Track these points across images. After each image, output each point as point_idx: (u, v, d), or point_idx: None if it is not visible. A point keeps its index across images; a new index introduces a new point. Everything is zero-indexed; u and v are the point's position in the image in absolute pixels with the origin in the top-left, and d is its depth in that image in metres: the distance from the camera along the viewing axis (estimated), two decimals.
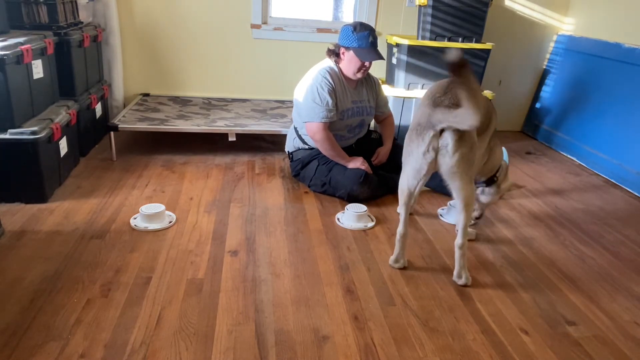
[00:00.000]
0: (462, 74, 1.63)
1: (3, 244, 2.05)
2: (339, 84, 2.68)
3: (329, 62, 2.73)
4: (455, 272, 1.97)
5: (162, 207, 2.29)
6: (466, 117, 1.65)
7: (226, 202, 2.56)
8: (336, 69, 2.70)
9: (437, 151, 1.79)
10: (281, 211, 2.51)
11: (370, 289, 1.90)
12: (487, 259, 2.18)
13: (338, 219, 2.45)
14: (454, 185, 1.85)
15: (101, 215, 2.34)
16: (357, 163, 2.67)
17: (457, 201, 1.89)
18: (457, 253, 1.94)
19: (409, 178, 1.91)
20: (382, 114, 2.98)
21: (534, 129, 4.20)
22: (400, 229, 2.01)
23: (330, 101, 2.61)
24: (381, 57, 2.62)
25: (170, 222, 2.29)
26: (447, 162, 1.79)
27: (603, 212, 2.76)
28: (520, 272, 2.10)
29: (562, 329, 1.75)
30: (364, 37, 2.58)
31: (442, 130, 1.77)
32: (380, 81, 2.98)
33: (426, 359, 1.56)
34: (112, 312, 1.67)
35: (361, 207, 2.43)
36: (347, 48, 2.62)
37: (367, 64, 2.65)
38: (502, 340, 1.67)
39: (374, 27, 3.63)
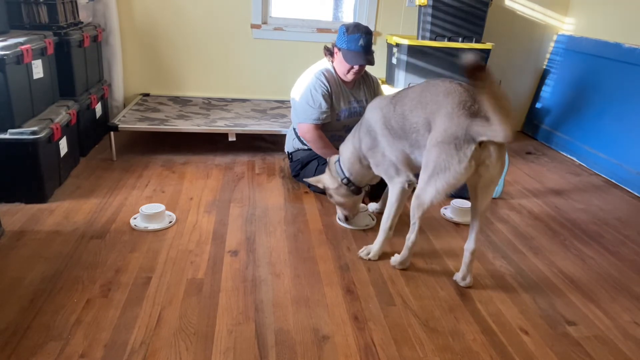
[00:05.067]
0: (481, 78, 1.52)
1: (3, 244, 2.05)
2: (335, 85, 2.67)
3: (325, 62, 2.72)
4: (460, 274, 1.96)
5: (162, 207, 2.29)
6: (499, 131, 1.56)
7: (226, 202, 2.56)
8: (332, 70, 2.69)
9: (478, 164, 1.70)
10: (281, 211, 2.50)
11: (370, 289, 1.90)
12: (487, 259, 2.18)
13: (338, 219, 2.45)
14: (484, 192, 1.81)
15: (101, 215, 2.34)
16: None
17: (479, 206, 1.86)
18: (467, 257, 1.93)
19: (440, 193, 1.75)
20: None
21: (534, 129, 4.20)
22: (412, 236, 1.96)
23: (323, 104, 2.60)
24: (368, 62, 2.54)
25: (170, 222, 2.29)
26: (492, 173, 1.73)
27: (603, 212, 2.76)
28: (520, 272, 2.10)
29: (562, 329, 1.75)
30: (354, 40, 2.50)
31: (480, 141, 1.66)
32: (379, 81, 2.97)
33: (426, 359, 1.56)
34: (112, 312, 1.67)
35: (361, 207, 2.43)
36: (339, 48, 2.59)
37: (355, 67, 2.58)
38: (502, 340, 1.67)
39: (373, 27, 3.63)
